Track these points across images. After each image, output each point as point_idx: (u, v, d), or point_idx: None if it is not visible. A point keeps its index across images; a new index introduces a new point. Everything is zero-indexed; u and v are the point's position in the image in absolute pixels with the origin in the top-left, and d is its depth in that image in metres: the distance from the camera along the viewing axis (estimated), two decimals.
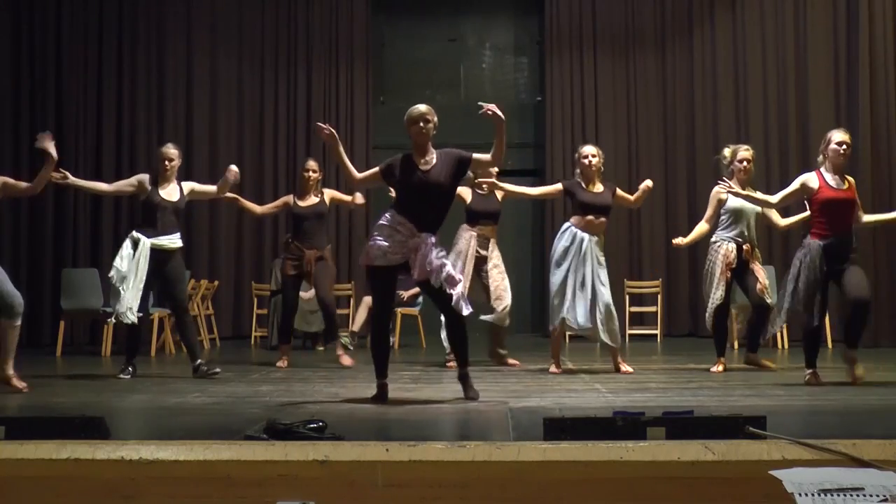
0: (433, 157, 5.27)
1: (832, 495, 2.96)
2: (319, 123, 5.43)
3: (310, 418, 3.66)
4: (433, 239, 5.13)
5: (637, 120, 11.81)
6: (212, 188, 7.14)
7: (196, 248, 11.42)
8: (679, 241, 7.02)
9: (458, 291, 5.09)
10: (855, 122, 10.06)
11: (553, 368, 6.83)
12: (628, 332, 10.95)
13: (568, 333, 8.46)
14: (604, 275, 6.73)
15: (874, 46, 9.99)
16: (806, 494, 2.97)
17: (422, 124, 5.26)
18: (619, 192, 7.00)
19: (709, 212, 6.99)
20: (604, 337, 6.68)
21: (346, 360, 7.48)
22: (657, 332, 10.90)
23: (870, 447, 3.22)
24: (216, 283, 10.96)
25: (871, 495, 2.95)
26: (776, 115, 11.01)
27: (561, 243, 6.75)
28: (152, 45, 11.63)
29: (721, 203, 6.90)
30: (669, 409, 3.71)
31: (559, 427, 3.41)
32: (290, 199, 7.83)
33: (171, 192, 6.82)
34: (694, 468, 3.18)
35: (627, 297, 11.10)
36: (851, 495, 2.95)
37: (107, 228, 11.24)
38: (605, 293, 6.68)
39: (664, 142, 11.70)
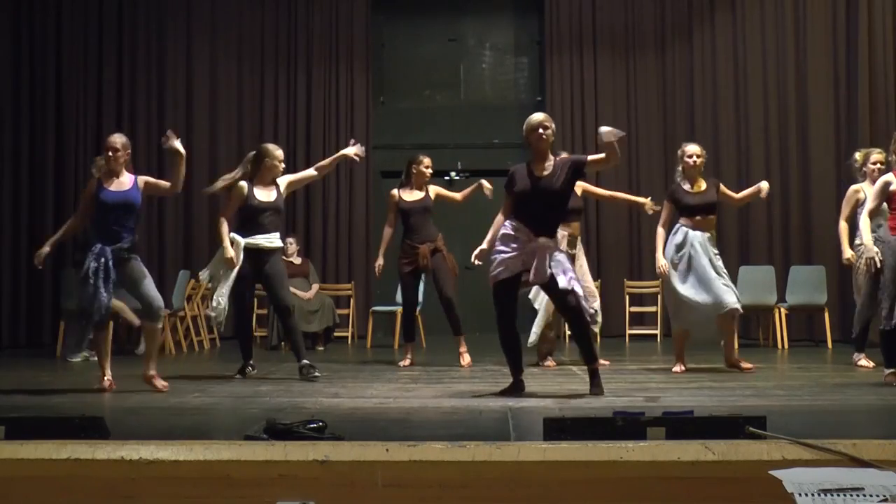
0: (551, 163, 5.43)
1: (832, 495, 2.96)
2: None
3: (310, 418, 3.66)
4: (552, 243, 5.38)
5: (637, 120, 11.81)
6: (310, 172, 7.07)
7: (196, 248, 11.43)
8: (848, 257, 6.94)
9: (578, 292, 5.36)
10: (855, 122, 10.06)
11: (677, 368, 6.86)
12: (628, 332, 10.96)
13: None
14: (719, 263, 6.75)
15: (874, 46, 9.98)
16: (806, 494, 2.97)
17: (541, 131, 5.41)
18: (723, 188, 7.07)
19: (845, 211, 7.10)
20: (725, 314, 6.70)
21: (466, 359, 7.42)
22: (657, 332, 10.90)
23: (870, 447, 3.22)
24: None
25: (871, 495, 2.95)
26: (776, 115, 11.01)
27: (673, 243, 6.78)
28: (152, 45, 11.63)
29: (859, 203, 7.02)
30: (669, 409, 3.71)
31: (559, 427, 3.41)
32: (395, 195, 7.66)
33: (269, 193, 6.69)
34: (694, 468, 3.18)
35: (627, 297, 11.10)
36: (851, 495, 2.95)
37: None
38: (724, 275, 6.73)
39: (664, 142, 11.70)
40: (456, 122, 12.32)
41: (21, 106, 11.13)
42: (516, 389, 5.46)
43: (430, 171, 7.69)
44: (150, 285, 5.92)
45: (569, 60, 11.90)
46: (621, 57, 11.89)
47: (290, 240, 10.51)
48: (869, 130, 9.84)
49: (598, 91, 11.84)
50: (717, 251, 6.83)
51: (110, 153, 5.95)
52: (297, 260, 10.39)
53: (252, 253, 6.61)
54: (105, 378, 5.98)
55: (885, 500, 2.92)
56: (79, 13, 11.40)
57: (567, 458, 3.21)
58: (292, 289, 9.99)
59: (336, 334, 10.50)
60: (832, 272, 9.92)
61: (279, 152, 6.81)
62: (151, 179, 6.17)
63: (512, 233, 5.36)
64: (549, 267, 5.30)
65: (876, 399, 5.25)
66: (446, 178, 11.95)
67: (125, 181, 5.96)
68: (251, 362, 6.82)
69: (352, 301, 11.10)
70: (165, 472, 3.23)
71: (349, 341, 10.90)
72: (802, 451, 3.21)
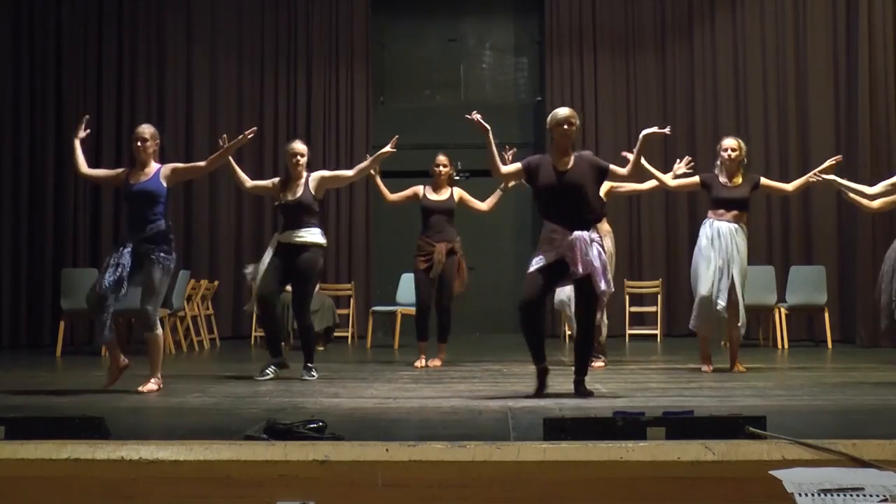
0: (571, 159, 5.42)
1: (832, 495, 2.96)
2: (471, 117, 5.59)
3: (310, 418, 3.66)
4: (587, 235, 5.26)
5: (637, 120, 11.79)
6: (346, 173, 6.98)
7: (196, 248, 11.42)
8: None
9: (604, 290, 5.27)
10: (855, 122, 10.06)
11: (705, 368, 6.80)
12: (628, 332, 10.95)
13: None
14: (740, 262, 6.63)
15: (874, 46, 9.98)
16: (806, 494, 2.97)
17: (566, 126, 5.42)
18: (764, 181, 6.95)
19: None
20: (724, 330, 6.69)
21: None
22: (657, 332, 10.90)
23: (870, 447, 3.22)
24: (216, 283, 10.96)
25: (871, 495, 2.94)
26: (776, 115, 11.01)
27: (703, 236, 6.71)
28: (152, 45, 11.63)
29: None
30: (669, 409, 3.71)
31: (559, 427, 3.40)
32: (419, 190, 7.65)
33: (295, 191, 6.60)
34: (694, 468, 3.18)
35: (627, 297, 11.09)
36: (851, 495, 2.95)
37: (107, 228, 11.24)
38: (737, 284, 6.61)
39: (664, 142, 11.67)
40: (456, 122, 12.24)
41: (21, 106, 11.13)
42: (540, 377, 5.42)
43: (440, 169, 7.64)
44: (151, 301, 5.79)
45: (569, 60, 11.90)
46: (621, 57, 11.89)
47: None
48: (869, 130, 9.85)
49: (598, 91, 11.84)
50: (744, 243, 6.65)
51: (139, 143, 5.92)
52: None
53: (282, 249, 6.56)
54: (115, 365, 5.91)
55: (885, 500, 2.92)
56: (79, 13, 11.40)
57: (567, 458, 3.21)
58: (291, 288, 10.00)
59: (336, 334, 10.50)
60: (832, 272, 9.93)
61: (291, 146, 6.73)
62: (181, 165, 6.20)
63: (549, 235, 5.33)
64: (592, 258, 5.19)
65: (876, 399, 5.25)
66: None
67: (149, 171, 5.93)
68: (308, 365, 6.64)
69: (352, 301, 11.10)
70: (165, 472, 3.23)
71: (349, 341, 10.90)
72: (802, 451, 3.21)
